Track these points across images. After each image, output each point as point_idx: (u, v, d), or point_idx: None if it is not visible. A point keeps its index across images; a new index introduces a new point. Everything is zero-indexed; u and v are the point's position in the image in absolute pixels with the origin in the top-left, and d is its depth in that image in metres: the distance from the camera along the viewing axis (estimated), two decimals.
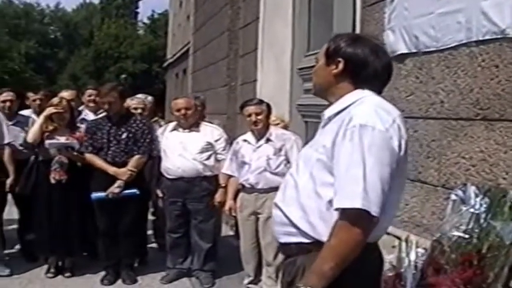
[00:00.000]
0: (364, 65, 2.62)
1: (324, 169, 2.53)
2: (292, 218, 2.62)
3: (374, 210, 2.36)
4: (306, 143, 6.52)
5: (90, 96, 8.07)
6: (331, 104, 2.70)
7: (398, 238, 4.34)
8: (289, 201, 2.66)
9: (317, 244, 2.50)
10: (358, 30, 5.97)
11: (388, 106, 2.60)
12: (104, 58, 51.19)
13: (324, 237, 2.47)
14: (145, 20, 64.45)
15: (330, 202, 2.48)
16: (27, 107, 8.21)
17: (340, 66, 2.64)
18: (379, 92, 2.69)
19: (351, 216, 2.38)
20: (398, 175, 2.53)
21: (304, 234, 2.59)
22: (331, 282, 2.43)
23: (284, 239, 2.71)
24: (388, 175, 2.42)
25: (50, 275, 6.84)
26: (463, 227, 3.57)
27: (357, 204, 2.35)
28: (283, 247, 2.77)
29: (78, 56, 57.92)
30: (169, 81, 34.84)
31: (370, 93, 2.62)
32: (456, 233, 3.58)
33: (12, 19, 60.55)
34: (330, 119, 2.65)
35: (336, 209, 2.43)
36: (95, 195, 6.52)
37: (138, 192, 6.59)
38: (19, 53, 45.19)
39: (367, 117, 2.44)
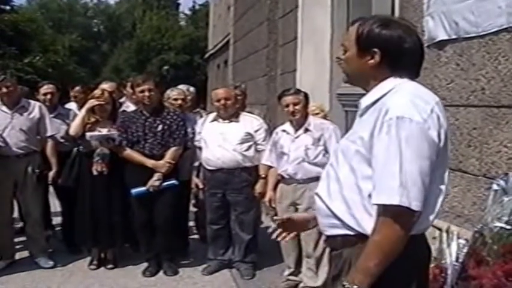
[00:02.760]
0: (402, 51, 2.51)
1: (364, 162, 2.47)
2: (337, 212, 2.57)
3: (415, 205, 2.30)
4: (346, 132, 6.47)
5: (132, 88, 8.06)
6: (367, 92, 2.62)
7: (439, 229, 4.26)
8: (333, 194, 2.60)
9: (362, 237, 2.46)
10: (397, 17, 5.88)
11: (426, 93, 2.51)
12: (147, 50, 51.52)
13: (369, 231, 2.42)
14: (187, 11, 64.70)
15: (371, 196, 2.43)
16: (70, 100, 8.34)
17: (377, 57, 2.52)
18: (416, 74, 2.60)
19: (391, 213, 2.33)
20: (440, 166, 2.46)
21: (348, 226, 2.54)
22: (381, 279, 2.38)
23: (330, 232, 2.66)
24: (428, 168, 2.34)
25: (92, 266, 6.90)
26: (505, 218, 3.48)
27: (395, 200, 2.29)
28: (329, 240, 2.71)
29: (121, 49, 58.38)
30: (211, 72, 34.86)
31: (405, 80, 2.52)
32: (498, 224, 3.50)
33: (55, 13, 61.32)
34: (367, 108, 2.57)
35: (375, 205, 2.39)
36: (136, 190, 6.54)
37: (177, 183, 6.61)
38: (63, 46, 45.69)
39: (403, 109, 2.36)
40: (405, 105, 2.38)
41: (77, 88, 8.50)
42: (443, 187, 2.52)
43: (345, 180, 2.54)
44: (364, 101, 2.60)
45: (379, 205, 2.37)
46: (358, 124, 2.62)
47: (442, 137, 2.43)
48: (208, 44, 37.57)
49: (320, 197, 2.68)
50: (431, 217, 2.51)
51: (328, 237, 2.71)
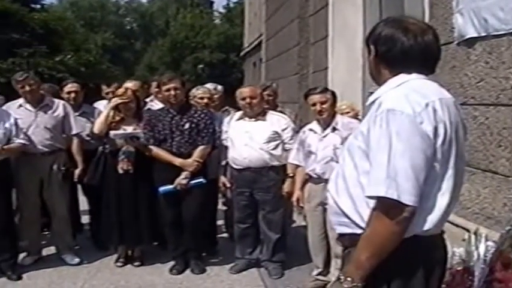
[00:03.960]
0: (391, 45, 2.56)
1: (364, 157, 2.48)
2: (344, 208, 2.58)
3: (405, 199, 2.29)
4: None
5: (157, 87, 8.08)
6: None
7: (468, 230, 4.19)
8: (339, 191, 2.61)
9: None
10: (427, 14, 5.80)
11: (428, 89, 2.50)
12: (181, 48, 51.58)
13: None
14: (221, 9, 64.76)
15: None
16: (103, 98, 8.37)
17: (372, 52, 2.62)
18: (425, 72, 2.60)
19: (381, 205, 2.34)
20: (441, 163, 2.43)
21: (355, 224, 2.54)
22: (378, 275, 2.41)
23: (340, 230, 2.68)
24: (422, 161, 2.33)
25: (119, 264, 6.93)
26: None
27: (380, 192, 2.31)
28: (340, 238, 2.74)
29: (154, 47, 58.58)
30: (247, 70, 34.94)
31: (412, 77, 2.54)
32: None
33: (87, 11, 61.84)
34: (371, 104, 2.58)
35: (369, 197, 2.40)
36: (163, 188, 6.54)
37: (204, 181, 6.59)
38: (95, 44, 46.13)
39: (395, 102, 2.39)
40: (398, 98, 2.41)
41: (115, 84, 8.48)
42: (445, 186, 2.47)
43: (349, 176, 2.56)
44: (371, 98, 2.63)
45: (371, 198, 2.38)
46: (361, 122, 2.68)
47: (441, 132, 2.41)
48: (244, 42, 37.61)
49: (330, 194, 2.71)
50: (430, 217, 2.47)
51: (339, 235, 2.73)
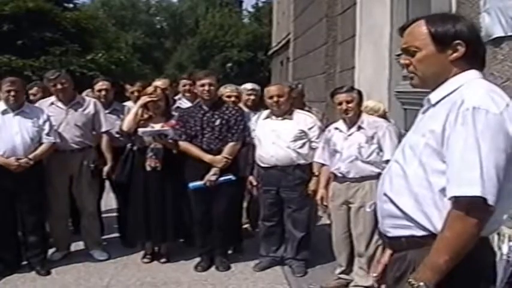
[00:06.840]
0: (481, 43, 2.54)
1: (434, 156, 2.41)
2: (405, 209, 2.51)
3: (490, 199, 2.24)
4: (406, 130, 6.30)
5: (184, 86, 8.18)
6: (434, 88, 2.57)
7: None
8: (399, 190, 2.55)
9: (431, 237, 2.40)
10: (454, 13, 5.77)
11: (499, 89, 2.47)
12: (210, 47, 51.70)
13: (438, 229, 2.37)
14: (250, 9, 64.79)
15: (442, 191, 2.37)
16: (128, 99, 8.41)
17: (462, 49, 2.48)
18: (483, 66, 2.58)
19: (466, 206, 2.27)
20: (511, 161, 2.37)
21: (418, 226, 2.48)
22: (451, 280, 2.34)
23: (393, 233, 2.61)
24: (503, 161, 2.29)
25: (145, 260, 7.01)
26: None
27: (476, 191, 2.23)
28: (392, 241, 2.66)
29: (184, 46, 58.75)
30: (274, 69, 34.92)
31: (477, 74, 2.51)
32: None
33: (118, 10, 62.15)
34: (436, 103, 2.53)
35: (450, 198, 2.32)
36: (193, 184, 6.59)
37: (234, 178, 6.63)
38: (126, 43, 46.41)
39: (480, 100, 2.33)
40: (482, 96, 2.35)
41: (138, 84, 8.50)
42: None
43: (413, 175, 2.49)
44: (434, 97, 2.55)
45: (453, 199, 2.30)
46: (424, 119, 2.59)
47: None
48: (271, 41, 37.62)
49: (386, 195, 2.63)
50: (501, 217, 2.44)
51: (391, 238, 2.65)
